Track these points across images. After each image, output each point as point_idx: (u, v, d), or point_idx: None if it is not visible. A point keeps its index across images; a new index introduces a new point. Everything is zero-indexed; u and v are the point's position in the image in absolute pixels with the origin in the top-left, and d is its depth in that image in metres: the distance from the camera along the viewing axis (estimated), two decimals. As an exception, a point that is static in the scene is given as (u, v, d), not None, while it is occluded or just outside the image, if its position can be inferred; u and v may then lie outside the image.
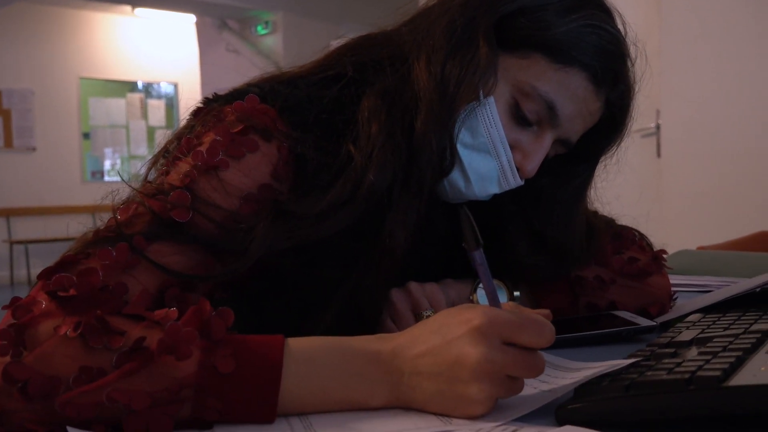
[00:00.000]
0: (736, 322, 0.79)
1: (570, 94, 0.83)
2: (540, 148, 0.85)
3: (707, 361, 0.60)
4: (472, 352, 0.58)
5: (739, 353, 0.62)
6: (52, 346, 0.58)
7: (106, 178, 9.23)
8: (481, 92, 0.81)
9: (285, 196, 0.78)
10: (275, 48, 6.79)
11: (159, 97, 9.66)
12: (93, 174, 9.16)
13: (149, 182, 0.80)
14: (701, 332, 0.75)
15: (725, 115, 2.97)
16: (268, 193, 0.77)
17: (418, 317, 0.85)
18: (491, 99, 0.82)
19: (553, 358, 0.70)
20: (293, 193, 0.78)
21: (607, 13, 0.86)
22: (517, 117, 0.84)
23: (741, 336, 0.70)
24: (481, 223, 0.92)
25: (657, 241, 1.12)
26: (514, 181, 0.86)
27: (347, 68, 0.86)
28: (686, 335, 0.75)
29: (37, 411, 0.57)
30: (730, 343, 0.67)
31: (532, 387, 0.64)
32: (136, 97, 9.45)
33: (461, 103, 0.81)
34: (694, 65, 3.06)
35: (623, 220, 1.10)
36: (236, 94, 0.83)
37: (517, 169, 0.85)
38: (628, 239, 1.06)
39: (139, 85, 9.45)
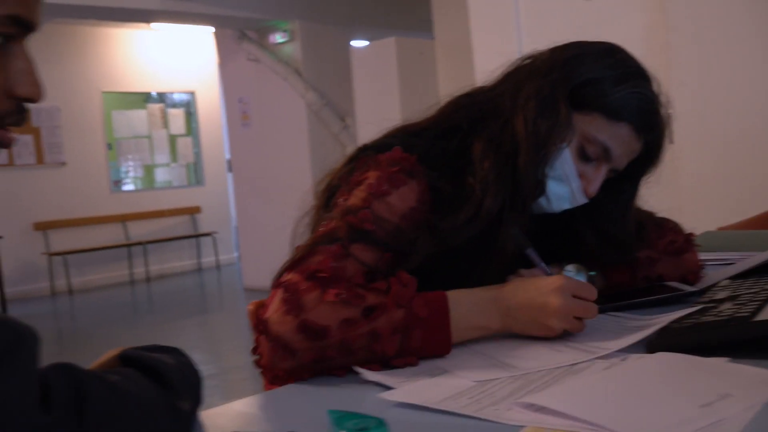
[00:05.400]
0: (756, 284, 1.13)
1: (620, 140, 1.16)
2: (598, 176, 1.19)
3: (739, 309, 0.94)
4: (555, 300, 1.01)
5: (759, 302, 0.96)
6: (323, 308, 0.95)
7: (124, 188, 9.58)
8: (559, 141, 1.15)
9: (430, 215, 1.12)
10: (294, 54, 7.11)
11: (177, 106, 10.01)
12: (115, 183, 9.51)
13: (337, 205, 1.13)
14: (732, 293, 1.10)
15: (731, 101, 3.28)
16: (416, 213, 1.12)
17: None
18: (565, 144, 1.16)
19: (636, 316, 1.05)
20: (433, 214, 1.12)
21: (647, 80, 1.18)
22: (583, 156, 1.17)
23: (759, 292, 1.04)
24: (558, 228, 1.27)
25: (677, 220, 1.46)
26: (581, 200, 1.20)
27: (462, 123, 1.20)
28: (721, 295, 1.10)
29: (320, 348, 0.94)
30: (753, 297, 1.01)
31: (630, 330, 0.99)
32: (156, 108, 9.81)
33: (549, 149, 1.14)
34: (699, 56, 3.38)
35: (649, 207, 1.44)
36: (382, 146, 1.18)
37: (583, 191, 1.19)
38: (667, 227, 1.40)
39: (158, 95, 9.79)
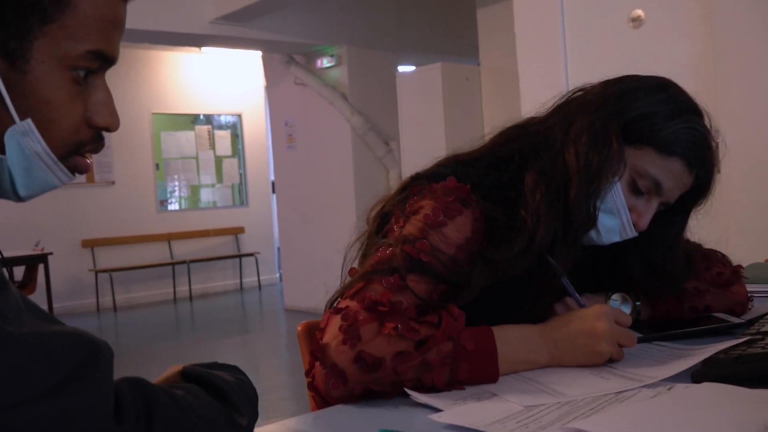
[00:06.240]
0: (803, 317, 1.13)
1: (671, 175, 1.17)
2: (649, 210, 1.20)
3: (786, 341, 0.95)
4: (601, 325, 1.05)
5: (807, 336, 0.97)
6: (380, 340, 0.97)
7: (170, 207, 9.75)
8: (611, 174, 1.16)
9: (483, 244, 1.14)
10: (340, 79, 7.21)
11: (224, 128, 10.18)
12: (162, 203, 9.69)
13: (391, 231, 1.16)
14: (779, 324, 1.10)
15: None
16: (471, 243, 1.13)
17: (573, 321, 1.21)
18: (617, 178, 1.16)
19: (682, 345, 1.06)
20: (486, 244, 1.14)
21: (699, 115, 1.19)
22: (634, 189, 1.18)
23: (807, 325, 1.05)
24: (605, 258, 1.28)
25: (724, 251, 1.46)
26: (631, 233, 1.20)
27: (514, 154, 1.21)
28: (767, 327, 1.10)
29: (374, 378, 0.96)
30: (800, 330, 1.02)
31: (676, 360, 1.00)
32: (204, 129, 9.99)
33: (601, 183, 1.15)
34: (748, 85, 3.35)
35: (696, 238, 1.45)
36: (435, 175, 1.20)
37: (633, 225, 1.19)
38: (714, 259, 1.40)
39: (205, 117, 9.97)
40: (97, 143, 0.80)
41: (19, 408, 0.58)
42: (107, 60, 0.78)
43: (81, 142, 0.78)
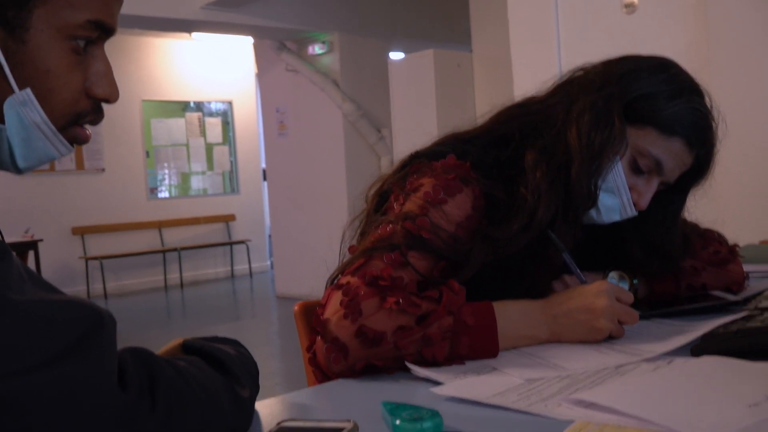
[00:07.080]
0: (799, 294, 1.14)
1: (672, 154, 1.17)
2: (650, 189, 1.20)
3: (784, 316, 0.96)
4: (601, 301, 1.04)
5: (804, 311, 0.97)
6: (381, 314, 0.97)
7: (160, 195, 9.72)
8: (612, 154, 1.16)
9: (484, 222, 1.14)
10: (332, 66, 7.18)
11: (214, 115, 10.13)
12: (152, 190, 9.65)
13: (391, 209, 1.16)
14: (776, 301, 1.11)
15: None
16: (472, 221, 1.13)
17: (571, 299, 1.21)
18: (618, 157, 1.17)
19: (680, 322, 1.07)
20: (486, 222, 1.14)
21: (700, 96, 1.20)
22: (635, 168, 1.19)
23: (804, 301, 1.05)
24: (603, 236, 1.28)
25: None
26: (631, 212, 1.21)
27: (515, 132, 1.21)
28: (765, 303, 1.11)
29: (375, 353, 0.96)
30: (798, 305, 1.02)
31: (676, 335, 1.01)
32: (194, 116, 9.95)
33: (603, 162, 1.15)
34: (741, 71, 3.36)
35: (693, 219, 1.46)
36: (435, 154, 1.20)
37: (634, 204, 1.20)
38: (711, 238, 1.41)
39: (195, 104, 9.92)
40: (96, 114, 0.79)
41: (21, 376, 0.58)
42: (106, 30, 0.77)
43: (80, 112, 0.77)
